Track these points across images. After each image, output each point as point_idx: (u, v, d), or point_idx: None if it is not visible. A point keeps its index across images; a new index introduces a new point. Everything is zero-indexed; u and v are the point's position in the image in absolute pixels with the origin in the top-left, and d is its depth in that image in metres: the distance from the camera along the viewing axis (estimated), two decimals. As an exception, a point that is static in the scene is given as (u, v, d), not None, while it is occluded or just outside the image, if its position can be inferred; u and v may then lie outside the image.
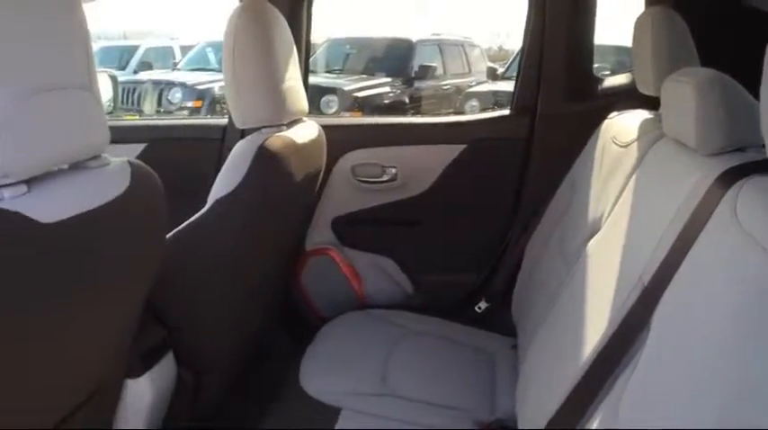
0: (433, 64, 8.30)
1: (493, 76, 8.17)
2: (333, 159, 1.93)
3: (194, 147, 2.06)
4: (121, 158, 1.00)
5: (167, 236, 1.20)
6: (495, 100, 7.21)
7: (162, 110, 7.67)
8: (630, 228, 1.16)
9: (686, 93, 1.09)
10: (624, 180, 1.31)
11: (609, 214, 1.30)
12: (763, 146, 0.77)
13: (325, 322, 1.77)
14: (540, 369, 1.25)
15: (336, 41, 8.76)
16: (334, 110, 7.17)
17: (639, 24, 1.48)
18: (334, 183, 2.01)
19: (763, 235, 0.76)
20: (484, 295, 1.96)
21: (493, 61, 9.64)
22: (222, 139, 2.02)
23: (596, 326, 1.04)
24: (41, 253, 0.79)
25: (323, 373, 1.52)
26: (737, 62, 1.14)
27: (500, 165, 1.99)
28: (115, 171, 0.96)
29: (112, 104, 2.81)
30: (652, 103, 1.35)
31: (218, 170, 1.38)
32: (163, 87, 7.82)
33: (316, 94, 6.86)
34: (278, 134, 1.44)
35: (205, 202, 1.35)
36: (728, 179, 0.92)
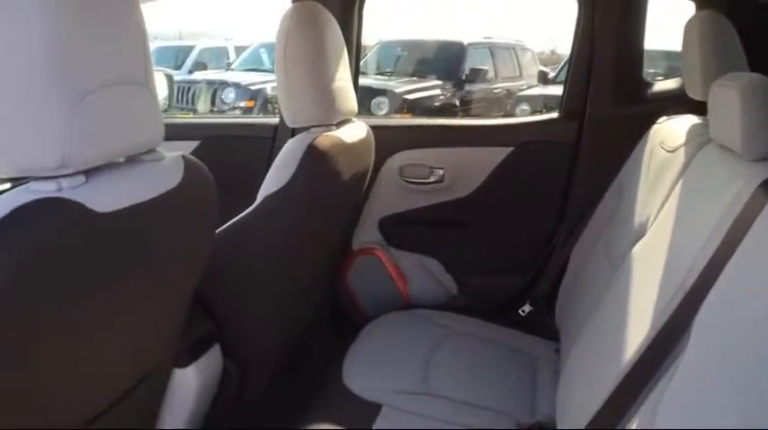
0: (484, 67, 8.25)
1: (544, 79, 8.04)
2: (381, 159, 1.94)
3: (246, 145, 2.10)
4: (175, 153, 1.01)
5: (217, 230, 1.22)
6: (545, 104, 7.11)
7: (215, 109, 7.79)
8: (675, 233, 1.15)
9: (732, 97, 1.08)
10: (670, 185, 1.30)
11: (654, 219, 1.29)
12: None
13: (369, 321, 1.78)
14: (581, 370, 1.25)
15: (388, 44, 8.79)
16: (384, 111, 7.19)
17: (689, 29, 1.46)
18: (381, 183, 2.02)
19: None
20: (528, 298, 1.95)
21: (545, 65, 9.52)
22: (273, 138, 2.05)
23: (639, 328, 1.03)
24: (97, 241, 0.81)
25: (365, 371, 1.54)
26: None
27: (548, 169, 1.99)
28: (169, 165, 0.98)
29: (168, 103, 2.86)
30: (701, 108, 1.34)
31: (268, 168, 1.41)
32: (217, 87, 7.94)
33: (366, 96, 6.89)
34: (327, 133, 1.46)
35: (255, 200, 1.38)
36: None
